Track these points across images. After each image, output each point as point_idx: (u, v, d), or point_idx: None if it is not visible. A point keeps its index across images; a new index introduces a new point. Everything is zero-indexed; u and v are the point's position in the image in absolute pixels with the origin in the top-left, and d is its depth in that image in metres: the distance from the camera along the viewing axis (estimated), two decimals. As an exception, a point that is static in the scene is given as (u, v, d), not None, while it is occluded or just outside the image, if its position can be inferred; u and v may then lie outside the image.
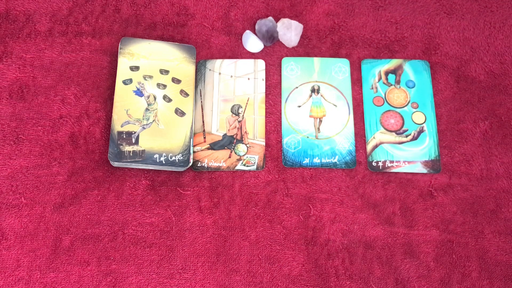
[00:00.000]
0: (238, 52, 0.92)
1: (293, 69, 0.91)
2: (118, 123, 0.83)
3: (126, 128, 0.83)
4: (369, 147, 0.87)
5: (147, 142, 0.83)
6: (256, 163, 0.85)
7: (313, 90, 0.90)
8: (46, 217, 0.80)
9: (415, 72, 0.91)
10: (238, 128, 0.88)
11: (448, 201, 0.84)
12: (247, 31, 0.92)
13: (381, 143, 0.87)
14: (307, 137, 0.87)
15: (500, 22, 0.95)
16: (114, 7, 0.93)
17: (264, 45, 0.92)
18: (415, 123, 0.88)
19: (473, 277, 0.81)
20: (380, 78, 0.91)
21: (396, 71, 0.91)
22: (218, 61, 0.91)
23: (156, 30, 0.92)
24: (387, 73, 0.91)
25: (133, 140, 0.82)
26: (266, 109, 0.89)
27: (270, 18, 0.92)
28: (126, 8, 0.93)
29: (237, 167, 0.85)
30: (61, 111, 0.86)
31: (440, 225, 0.83)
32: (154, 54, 0.87)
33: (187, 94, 0.86)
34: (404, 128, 0.88)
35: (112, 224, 0.81)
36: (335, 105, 0.89)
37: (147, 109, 0.84)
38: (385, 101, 0.90)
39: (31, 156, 0.83)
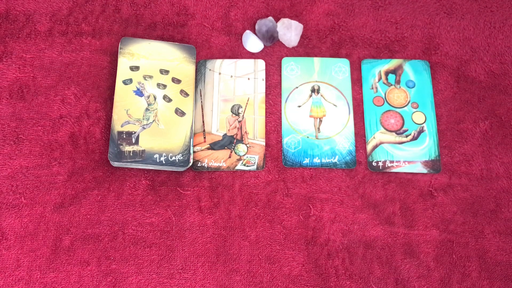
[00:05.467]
0: (238, 52, 0.92)
1: (293, 69, 0.91)
2: (118, 123, 0.83)
3: (126, 128, 0.83)
4: (369, 147, 0.87)
5: (147, 142, 0.83)
6: (256, 163, 0.85)
7: (313, 90, 0.90)
8: (46, 217, 0.80)
9: (415, 72, 0.91)
10: (238, 128, 0.88)
11: (448, 201, 0.84)
12: (247, 31, 0.92)
13: (381, 143, 0.87)
14: (307, 137, 0.87)
15: (500, 22, 0.95)
16: (114, 7, 0.93)
17: (264, 45, 0.92)
18: (415, 123, 0.88)
19: (473, 277, 0.81)
20: (380, 78, 0.91)
21: (396, 71, 0.91)
22: (218, 61, 0.91)
23: (156, 30, 0.92)
24: (387, 73, 0.91)
25: (133, 140, 0.82)
26: (266, 109, 0.89)
27: (270, 18, 0.92)
28: (126, 8, 0.93)
29: (237, 167, 0.85)
30: (61, 111, 0.86)
31: (440, 225, 0.83)
32: (154, 54, 0.87)
33: (187, 94, 0.86)
34: (404, 128, 0.88)
35: (112, 224, 0.81)
36: (335, 105, 0.89)
37: (147, 109, 0.84)
38: (385, 101, 0.90)
39: (31, 156, 0.83)
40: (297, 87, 0.90)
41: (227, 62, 0.91)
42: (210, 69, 0.90)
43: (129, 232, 0.81)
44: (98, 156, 0.84)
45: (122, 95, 0.85)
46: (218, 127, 0.87)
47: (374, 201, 0.84)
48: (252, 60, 0.91)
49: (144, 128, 0.83)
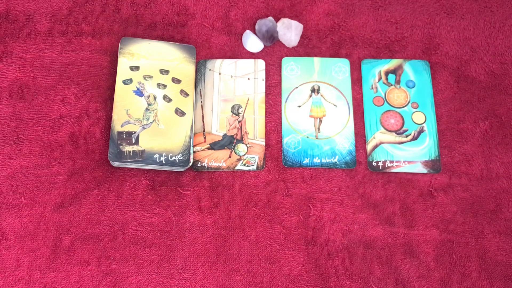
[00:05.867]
0: (238, 52, 0.92)
1: (293, 69, 0.91)
2: (118, 123, 0.83)
3: (126, 128, 0.83)
4: (369, 147, 0.87)
5: (147, 142, 0.83)
6: (256, 163, 0.85)
7: (313, 90, 0.90)
8: (46, 217, 0.80)
9: (415, 72, 0.91)
10: (238, 128, 0.88)
11: (448, 201, 0.84)
12: (247, 31, 0.92)
13: (381, 143, 0.87)
14: (307, 137, 0.87)
15: (500, 22, 0.95)
16: (114, 7, 0.93)
17: (264, 45, 0.92)
18: (415, 123, 0.88)
19: (473, 277, 0.81)
20: (380, 78, 0.91)
21: (396, 71, 0.91)
22: (218, 61, 0.91)
23: (156, 30, 0.92)
24: (387, 73, 0.91)
25: (133, 140, 0.82)
26: (266, 109, 0.89)
27: (270, 18, 0.92)
28: (126, 8, 0.93)
29: (237, 167, 0.85)
30: (61, 111, 0.86)
31: (440, 225, 0.83)
32: (154, 54, 0.87)
33: (187, 94, 0.86)
34: (404, 128, 0.88)
35: (112, 224, 0.81)
36: (335, 105, 0.89)
37: (147, 109, 0.84)
38: (385, 101, 0.90)
39: (31, 156, 0.83)
40: (297, 87, 0.90)
41: (227, 62, 0.91)
42: (210, 69, 0.90)
43: (129, 232, 0.81)
44: (98, 156, 0.84)
45: (122, 95, 0.85)
46: (218, 127, 0.87)
47: (374, 201, 0.84)
48: (252, 60, 0.91)
49: (144, 128, 0.83)
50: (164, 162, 0.82)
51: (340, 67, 0.91)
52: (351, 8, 0.95)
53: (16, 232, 0.80)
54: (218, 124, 0.88)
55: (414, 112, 0.89)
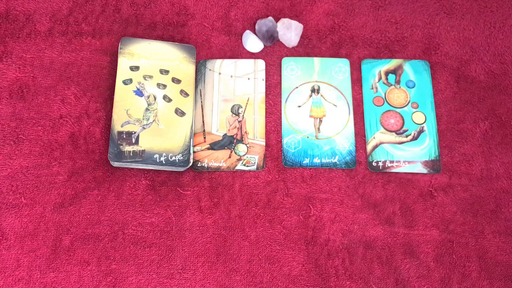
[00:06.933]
0: (238, 52, 0.92)
1: (293, 69, 0.91)
2: (118, 123, 0.83)
3: (126, 128, 0.83)
4: (369, 147, 0.87)
5: (147, 142, 0.83)
6: (256, 163, 0.85)
7: (313, 90, 0.90)
8: (46, 217, 0.80)
9: (415, 72, 0.91)
10: (238, 128, 0.88)
11: (448, 201, 0.84)
12: (247, 31, 0.92)
13: (381, 143, 0.87)
14: (307, 137, 0.87)
15: (500, 22, 0.95)
16: (114, 7, 0.93)
17: (264, 45, 0.92)
18: (415, 123, 0.88)
19: (473, 277, 0.81)
20: (380, 78, 0.91)
21: (396, 71, 0.91)
22: (218, 61, 0.91)
23: (156, 30, 0.92)
24: (387, 73, 0.91)
25: (133, 140, 0.82)
26: (266, 109, 0.89)
27: (270, 18, 0.92)
28: (126, 8, 0.93)
29: (237, 167, 0.85)
30: (61, 111, 0.86)
31: (440, 225, 0.83)
32: (154, 54, 0.87)
33: (187, 94, 0.86)
34: (404, 128, 0.88)
35: (112, 224, 0.81)
36: (335, 105, 0.89)
37: (147, 109, 0.84)
38: (385, 101, 0.90)
39: (31, 156, 0.83)
40: (297, 87, 0.90)
41: (227, 62, 0.91)
42: (210, 69, 0.90)
43: (129, 232, 0.81)
44: (98, 156, 0.84)
45: (122, 95, 0.85)
46: (218, 127, 0.87)
47: (374, 201, 0.84)
48: (252, 60, 0.91)
49: (144, 128, 0.83)
50: (164, 162, 0.82)
51: (340, 67, 0.91)
52: (351, 8, 0.95)
53: (16, 232, 0.80)
54: (218, 124, 0.88)
55: (414, 112, 0.89)
